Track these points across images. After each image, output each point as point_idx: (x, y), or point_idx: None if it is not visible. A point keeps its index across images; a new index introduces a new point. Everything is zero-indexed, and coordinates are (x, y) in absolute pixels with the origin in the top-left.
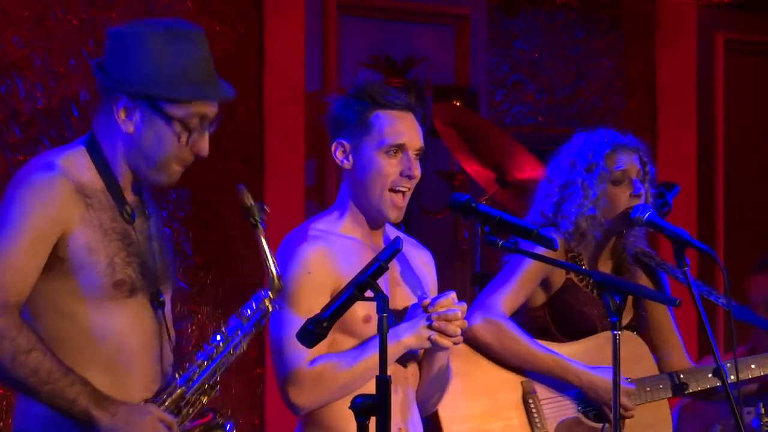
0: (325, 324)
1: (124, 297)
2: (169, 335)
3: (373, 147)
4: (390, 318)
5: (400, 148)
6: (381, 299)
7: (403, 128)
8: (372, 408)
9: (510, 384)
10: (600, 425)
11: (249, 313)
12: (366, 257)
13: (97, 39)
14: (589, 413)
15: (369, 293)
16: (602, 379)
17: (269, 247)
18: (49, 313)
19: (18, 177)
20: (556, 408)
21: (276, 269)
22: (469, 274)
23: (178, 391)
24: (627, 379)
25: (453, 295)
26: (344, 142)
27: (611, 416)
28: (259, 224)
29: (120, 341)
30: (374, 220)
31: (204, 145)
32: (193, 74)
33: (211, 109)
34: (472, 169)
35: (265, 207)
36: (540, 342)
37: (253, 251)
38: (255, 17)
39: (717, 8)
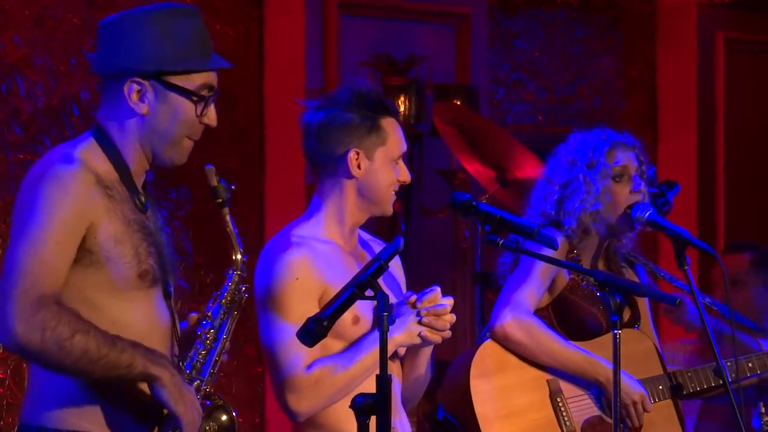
0: (325, 323)
1: (147, 287)
2: (176, 326)
3: (386, 155)
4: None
5: (402, 155)
6: (381, 298)
7: (401, 136)
8: (372, 407)
9: (537, 382)
10: (621, 424)
11: (227, 296)
12: (345, 260)
13: (97, 38)
14: (610, 411)
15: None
16: (626, 382)
17: (235, 227)
18: (77, 304)
19: (37, 171)
20: (581, 407)
21: (241, 249)
22: (470, 273)
23: (196, 383)
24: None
25: (438, 290)
26: (358, 151)
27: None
28: (225, 204)
29: (143, 331)
30: (356, 223)
31: (214, 115)
32: (198, 47)
33: (215, 79)
34: (473, 168)
35: (231, 186)
36: (568, 340)
37: (253, 250)
38: (255, 16)
39: (717, 8)
